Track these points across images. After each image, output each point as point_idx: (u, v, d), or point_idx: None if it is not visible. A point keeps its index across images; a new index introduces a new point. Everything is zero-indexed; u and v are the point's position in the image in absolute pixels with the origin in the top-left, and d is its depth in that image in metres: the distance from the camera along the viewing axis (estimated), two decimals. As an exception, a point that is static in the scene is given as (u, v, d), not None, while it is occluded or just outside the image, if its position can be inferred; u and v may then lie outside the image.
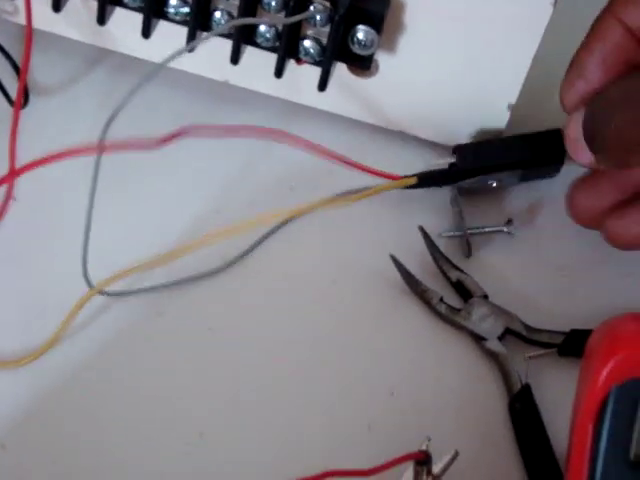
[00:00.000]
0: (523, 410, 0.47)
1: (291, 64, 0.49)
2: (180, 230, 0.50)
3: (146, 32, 0.49)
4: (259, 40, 0.48)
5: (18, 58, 0.51)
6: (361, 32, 0.47)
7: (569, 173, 0.50)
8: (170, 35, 0.49)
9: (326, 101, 0.51)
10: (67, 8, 0.50)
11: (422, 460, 0.42)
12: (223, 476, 0.46)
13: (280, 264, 0.50)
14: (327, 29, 0.47)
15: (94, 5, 0.49)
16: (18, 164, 0.48)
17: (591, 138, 0.45)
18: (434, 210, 0.51)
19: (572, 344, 0.48)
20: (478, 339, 0.48)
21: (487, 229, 0.51)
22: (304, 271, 0.50)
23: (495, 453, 0.47)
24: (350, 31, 0.47)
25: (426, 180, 0.50)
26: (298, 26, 0.48)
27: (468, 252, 0.50)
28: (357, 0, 0.46)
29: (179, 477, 0.46)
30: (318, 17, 0.47)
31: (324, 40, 0.48)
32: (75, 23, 0.51)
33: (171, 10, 0.48)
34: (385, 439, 0.47)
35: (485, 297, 0.49)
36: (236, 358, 0.48)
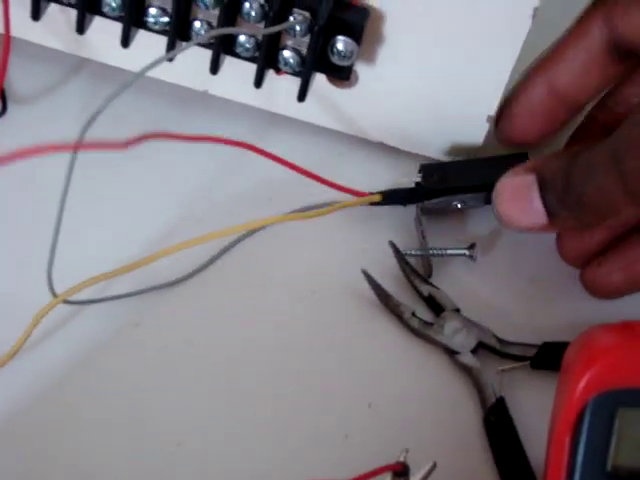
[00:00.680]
0: (498, 423, 0.47)
1: (270, 74, 0.49)
2: (153, 238, 0.50)
3: (125, 41, 0.49)
4: (239, 50, 0.48)
5: (-4, 66, 0.50)
6: (341, 43, 0.47)
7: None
8: (149, 45, 0.49)
9: (305, 112, 0.51)
10: (46, 16, 0.50)
11: (400, 471, 0.42)
12: (201, 486, 0.46)
13: (247, 275, 0.50)
14: (307, 39, 0.47)
15: (73, 14, 0.49)
16: (-5, 172, 0.48)
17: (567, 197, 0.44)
18: (403, 227, 0.51)
19: (544, 357, 0.48)
20: (451, 353, 0.48)
21: (449, 252, 0.50)
22: (277, 280, 0.50)
23: (472, 465, 0.47)
24: (330, 41, 0.47)
25: (391, 198, 0.50)
26: (278, 36, 0.48)
27: (429, 273, 0.50)
28: (337, 11, 0.46)
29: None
30: (298, 28, 0.47)
31: (304, 50, 0.48)
32: (54, 31, 0.51)
33: (151, 20, 0.48)
34: (363, 450, 0.46)
35: (457, 311, 0.49)
36: (212, 368, 0.48)
